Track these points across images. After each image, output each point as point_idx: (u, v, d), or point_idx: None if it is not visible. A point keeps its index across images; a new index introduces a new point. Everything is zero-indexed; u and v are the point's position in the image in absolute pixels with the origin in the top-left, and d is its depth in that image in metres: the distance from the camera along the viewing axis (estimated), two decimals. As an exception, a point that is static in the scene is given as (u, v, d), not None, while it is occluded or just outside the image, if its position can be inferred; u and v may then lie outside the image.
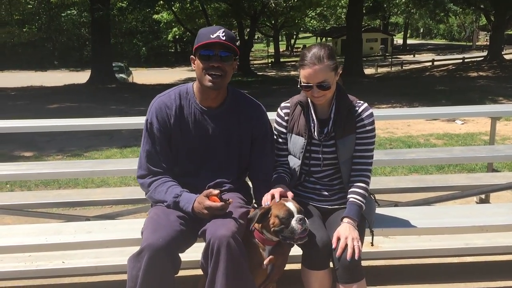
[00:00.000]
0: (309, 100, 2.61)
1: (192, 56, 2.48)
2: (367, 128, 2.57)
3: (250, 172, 2.70)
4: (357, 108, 2.59)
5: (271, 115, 2.76)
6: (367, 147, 2.59)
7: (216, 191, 2.31)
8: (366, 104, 2.62)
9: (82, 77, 27.48)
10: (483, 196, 4.53)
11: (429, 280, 3.30)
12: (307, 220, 2.32)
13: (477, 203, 4.57)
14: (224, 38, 2.36)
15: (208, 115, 2.53)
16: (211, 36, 2.36)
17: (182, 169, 2.59)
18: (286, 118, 2.67)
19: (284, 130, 2.68)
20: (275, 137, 2.71)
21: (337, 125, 2.55)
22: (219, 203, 2.28)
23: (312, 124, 2.59)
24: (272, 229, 2.32)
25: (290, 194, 2.42)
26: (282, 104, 2.72)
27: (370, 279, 3.14)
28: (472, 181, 4.30)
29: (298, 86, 2.52)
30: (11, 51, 46.96)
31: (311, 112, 2.60)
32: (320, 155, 2.58)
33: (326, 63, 2.42)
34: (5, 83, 26.31)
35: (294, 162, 2.66)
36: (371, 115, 2.59)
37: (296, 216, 2.29)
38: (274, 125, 2.72)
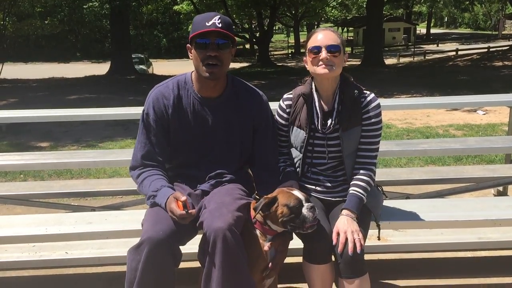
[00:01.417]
0: (313, 91, 2.52)
1: (188, 45, 2.39)
2: (374, 120, 2.47)
3: (251, 162, 2.63)
4: (362, 99, 2.48)
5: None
6: (372, 139, 2.49)
7: (183, 198, 2.20)
8: (373, 95, 2.51)
9: (103, 68, 27.76)
10: (501, 189, 4.37)
11: (440, 275, 3.19)
12: (316, 208, 2.26)
13: (494, 195, 4.42)
14: (220, 25, 2.27)
15: (208, 106, 2.45)
16: (207, 23, 2.27)
17: (183, 160, 2.54)
18: (288, 110, 2.58)
19: (284, 123, 2.60)
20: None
21: (342, 117, 2.45)
22: (179, 212, 2.17)
23: (316, 117, 2.49)
24: (280, 219, 2.25)
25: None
26: (285, 96, 2.62)
27: (380, 273, 3.08)
28: (488, 172, 4.14)
29: (304, 58, 2.49)
30: (35, 44, 47.68)
31: (314, 104, 2.50)
32: (325, 148, 2.49)
33: (337, 33, 2.45)
34: (28, 75, 26.73)
35: (296, 155, 2.58)
36: (378, 106, 2.48)
37: (306, 204, 2.24)
38: (276, 117, 2.63)
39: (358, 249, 2.22)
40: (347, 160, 2.48)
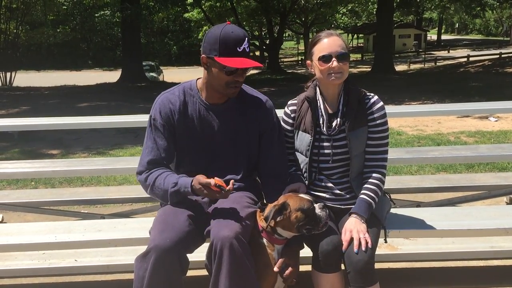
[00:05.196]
0: (317, 94, 2.53)
1: (204, 56, 2.33)
2: (379, 121, 2.47)
3: (258, 168, 2.61)
4: (367, 101, 2.49)
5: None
6: (380, 141, 2.49)
7: (214, 181, 2.17)
8: (376, 97, 2.53)
9: (114, 76, 27.91)
10: (513, 197, 4.31)
11: (452, 284, 3.15)
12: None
13: (507, 203, 4.36)
14: (248, 50, 2.29)
15: (213, 111, 2.46)
16: (238, 49, 2.25)
17: (190, 167, 2.52)
18: (292, 115, 2.59)
19: (289, 128, 2.60)
20: None
21: (347, 117, 2.45)
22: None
23: (321, 119, 2.50)
24: (295, 225, 2.24)
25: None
26: (289, 102, 2.64)
27: (390, 282, 3.04)
28: (500, 180, 4.09)
29: (315, 61, 2.42)
30: (47, 52, 48.24)
31: (319, 107, 2.51)
32: (330, 151, 2.48)
33: (341, 36, 2.44)
34: (40, 82, 26.97)
35: (302, 159, 2.57)
36: (383, 107, 2.49)
37: (317, 204, 2.26)
38: (281, 123, 2.63)
39: (363, 247, 2.21)
40: (353, 161, 2.47)
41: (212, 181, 2.16)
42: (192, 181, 2.25)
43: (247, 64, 2.26)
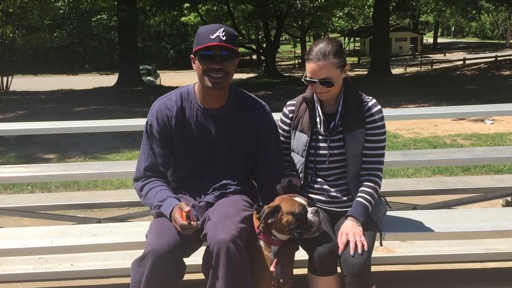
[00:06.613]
0: (315, 95, 2.55)
1: (192, 56, 2.39)
2: (377, 124, 2.48)
3: (255, 171, 2.62)
4: (365, 103, 2.51)
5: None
6: (377, 144, 2.50)
7: (187, 209, 2.19)
8: (374, 100, 2.54)
9: (111, 80, 27.87)
10: (509, 199, 4.32)
11: (448, 287, 3.16)
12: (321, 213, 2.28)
13: (503, 206, 4.37)
14: (224, 38, 2.27)
15: (211, 117, 2.46)
16: (211, 36, 2.27)
17: (187, 171, 2.54)
18: (290, 115, 2.61)
19: (286, 128, 2.62)
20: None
21: (345, 119, 2.47)
22: (180, 221, 2.17)
23: (318, 119, 2.51)
24: (286, 228, 2.25)
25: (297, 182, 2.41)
26: (288, 102, 2.66)
27: (386, 285, 3.03)
28: (496, 183, 4.11)
29: (302, 79, 2.45)
30: (44, 56, 48.21)
31: (317, 108, 2.53)
32: (327, 151, 2.48)
33: (331, 60, 2.35)
34: (37, 87, 26.91)
35: (298, 160, 2.58)
36: (381, 111, 2.51)
37: (310, 209, 2.25)
38: (279, 123, 2.65)
39: (360, 250, 2.22)
40: (350, 162, 2.48)
41: (181, 221, 2.17)
42: (172, 208, 2.26)
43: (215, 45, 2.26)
